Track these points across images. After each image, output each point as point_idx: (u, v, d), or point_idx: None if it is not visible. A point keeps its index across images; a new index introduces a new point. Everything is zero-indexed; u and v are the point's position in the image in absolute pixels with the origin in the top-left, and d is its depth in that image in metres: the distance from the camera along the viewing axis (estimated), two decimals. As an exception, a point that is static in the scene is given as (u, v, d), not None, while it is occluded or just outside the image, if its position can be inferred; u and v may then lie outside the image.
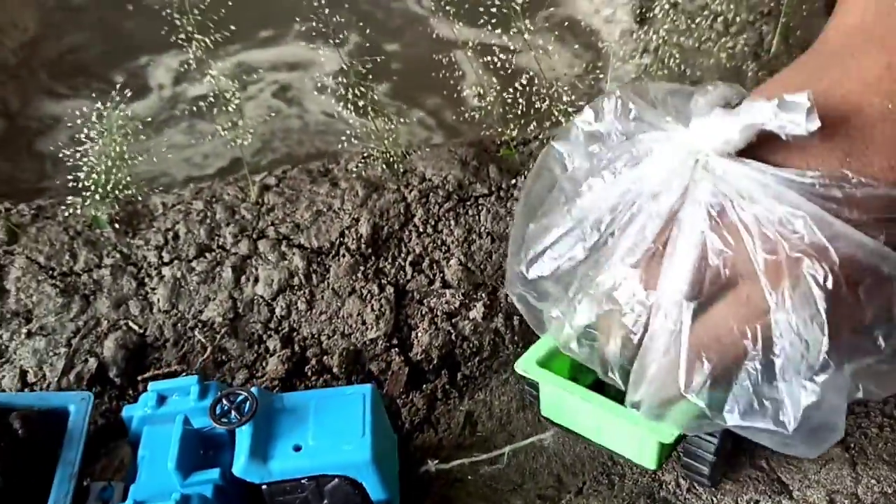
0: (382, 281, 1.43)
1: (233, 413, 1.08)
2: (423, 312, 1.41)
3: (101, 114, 1.38)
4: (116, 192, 1.41)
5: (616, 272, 0.98)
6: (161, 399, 1.15)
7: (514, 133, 1.54)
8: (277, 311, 1.40)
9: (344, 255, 1.43)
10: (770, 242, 0.88)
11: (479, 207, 1.49)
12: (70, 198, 1.46)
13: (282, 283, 1.41)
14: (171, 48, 2.06)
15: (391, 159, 1.53)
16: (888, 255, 0.87)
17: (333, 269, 1.42)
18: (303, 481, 1.07)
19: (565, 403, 1.20)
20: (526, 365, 1.19)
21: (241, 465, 1.06)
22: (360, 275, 1.42)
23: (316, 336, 1.39)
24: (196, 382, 1.15)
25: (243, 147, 1.47)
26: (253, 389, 1.09)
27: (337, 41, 1.49)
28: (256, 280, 1.41)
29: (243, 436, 1.08)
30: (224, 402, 1.09)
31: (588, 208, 1.02)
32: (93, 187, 1.39)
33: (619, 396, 1.12)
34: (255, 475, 1.06)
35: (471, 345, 1.39)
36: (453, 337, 1.39)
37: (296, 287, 1.41)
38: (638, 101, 1.07)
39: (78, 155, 1.39)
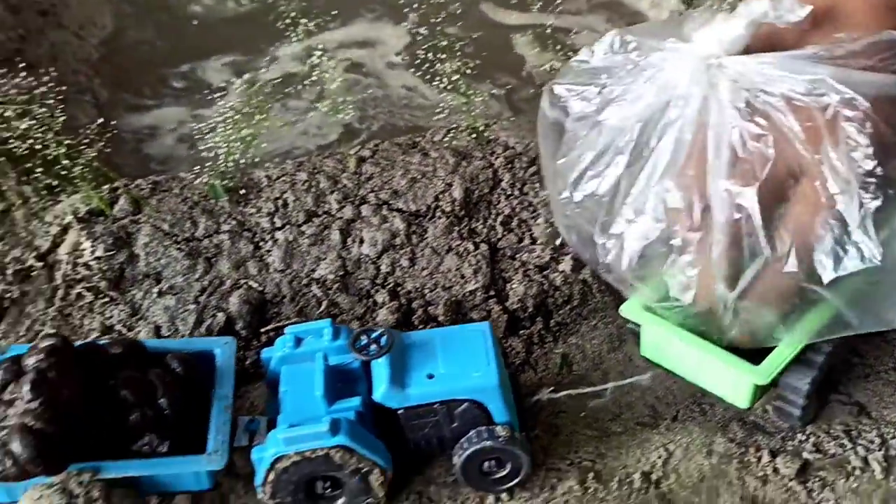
0: (476, 239, 1.55)
1: (372, 346, 1.20)
2: (516, 266, 1.53)
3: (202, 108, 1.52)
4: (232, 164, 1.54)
5: (666, 184, 1.08)
6: (298, 341, 1.28)
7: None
8: (383, 268, 1.52)
9: (440, 217, 1.56)
10: (803, 112, 0.99)
11: (561, 171, 1.61)
12: (184, 174, 1.60)
13: (385, 244, 1.53)
14: (217, 53, 2.21)
15: (476, 131, 1.65)
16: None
17: (431, 230, 1.55)
18: (435, 406, 1.20)
19: (666, 345, 1.32)
20: (630, 308, 1.31)
21: (381, 392, 1.18)
22: (455, 234, 1.55)
23: (419, 289, 1.51)
24: (329, 325, 1.27)
25: (342, 120, 1.60)
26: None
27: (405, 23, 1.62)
28: (362, 241, 1.54)
29: (381, 367, 1.20)
30: (363, 337, 1.22)
31: (616, 128, 1.12)
32: (215, 162, 1.52)
33: (717, 341, 1.24)
34: (394, 401, 1.19)
35: (562, 294, 1.52)
36: (545, 287, 1.52)
37: (398, 246, 1.54)
38: (635, 33, 1.17)
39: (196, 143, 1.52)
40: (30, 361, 1.11)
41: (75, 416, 1.09)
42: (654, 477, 1.23)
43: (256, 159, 1.62)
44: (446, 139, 1.66)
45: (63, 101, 1.48)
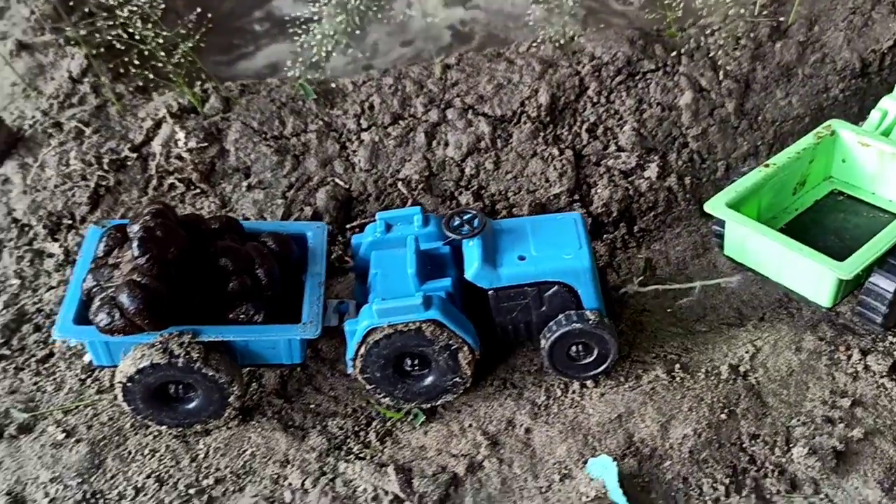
0: (561, 145, 1.55)
1: (465, 227, 1.22)
2: (601, 172, 1.53)
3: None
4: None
5: None
6: (388, 227, 1.30)
7: (679, 14, 1.64)
8: (467, 170, 1.53)
9: (525, 123, 1.56)
10: None
11: (648, 81, 1.60)
12: (271, 80, 1.62)
13: (470, 147, 1.54)
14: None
15: (561, 41, 1.65)
16: None
17: (516, 135, 1.55)
18: (525, 288, 1.20)
19: (749, 243, 1.31)
20: (715, 205, 1.31)
21: (473, 271, 1.19)
22: (540, 139, 1.55)
23: (503, 192, 1.52)
24: (419, 212, 1.29)
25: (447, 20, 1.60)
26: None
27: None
28: (447, 144, 1.55)
29: (473, 248, 1.21)
30: (456, 218, 1.23)
31: None
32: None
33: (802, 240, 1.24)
34: (486, 280, 1.20)
35: (647, 200, 1.51)
36: (630, 193, 1.51)
37: (483, 150, 1.54)
38: None
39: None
40: (135, 227, 1.14)
41: (180, 276, 1.12)
42: (741, 369, 1.23)
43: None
44: (532, 49, 1.66)
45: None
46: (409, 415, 1.24)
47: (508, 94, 1.58)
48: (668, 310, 1.37)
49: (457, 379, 1.21)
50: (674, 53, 1.62)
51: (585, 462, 1.13)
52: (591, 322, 1.19)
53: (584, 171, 1.53)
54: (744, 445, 1.14)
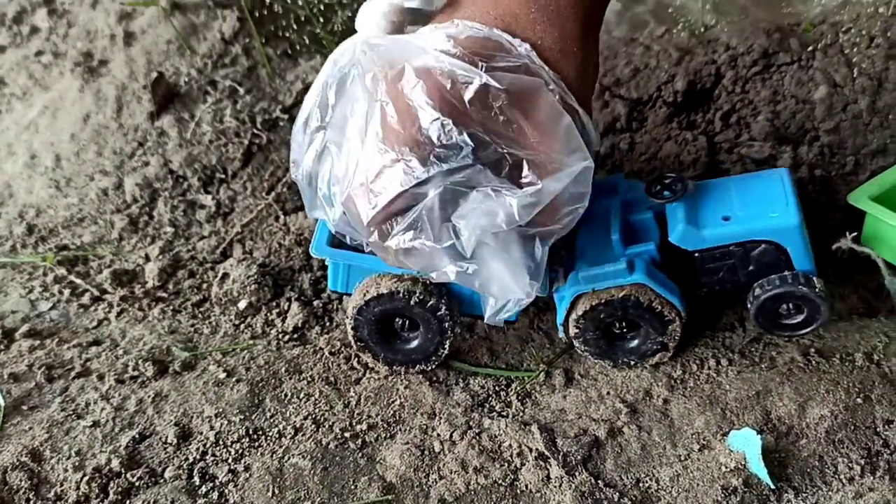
0: (695, 132, 1.59)
1: (666, 191, 1.25)
2: (734, 160, 1.57)
3: None
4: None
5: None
6: None
7: (816, 11, 1.67)
8: (602, 150, 1.59)
9: (661, 107, 1.60)
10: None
11: (783, 73, 1.63)
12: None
13: (605, 127, 1.59)
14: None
15: (696, 30, 1.69)
16: (462, 66, 1.01)
17: (651, 118, 1.60)
18: (731, 248, 1.21)
19: (886, 235, 1.34)
20: (857, 197, 1.34)
21: (677, 233, 1.22)
22: (675, 124, 1.59)
23: (636, 173, 1.57)
24: (622, 179, 1.32)
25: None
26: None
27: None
28: (583, 123, 1.60)
29: (676, 211, 1.24)
30: (657, 183, 1.27)
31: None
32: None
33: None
34: (690, 242, 1.22)
35: (778, 190, 1.55)
36: (762, 182, 1.55)
37: (618, 131, 1.59)
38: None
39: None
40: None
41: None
42: (875, 357, 1.26)
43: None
44: (663, 37, 1.70)
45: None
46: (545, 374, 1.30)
47: (645, 79, 1.63)
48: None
49: (663, 341, 1.25)
50: (809, 48, 1.65)
51: (724, 434, 1.18)
52: (803, 285, 1.19)
53: (717, 157, 1.58)
54: (878, 430, 1.18)
